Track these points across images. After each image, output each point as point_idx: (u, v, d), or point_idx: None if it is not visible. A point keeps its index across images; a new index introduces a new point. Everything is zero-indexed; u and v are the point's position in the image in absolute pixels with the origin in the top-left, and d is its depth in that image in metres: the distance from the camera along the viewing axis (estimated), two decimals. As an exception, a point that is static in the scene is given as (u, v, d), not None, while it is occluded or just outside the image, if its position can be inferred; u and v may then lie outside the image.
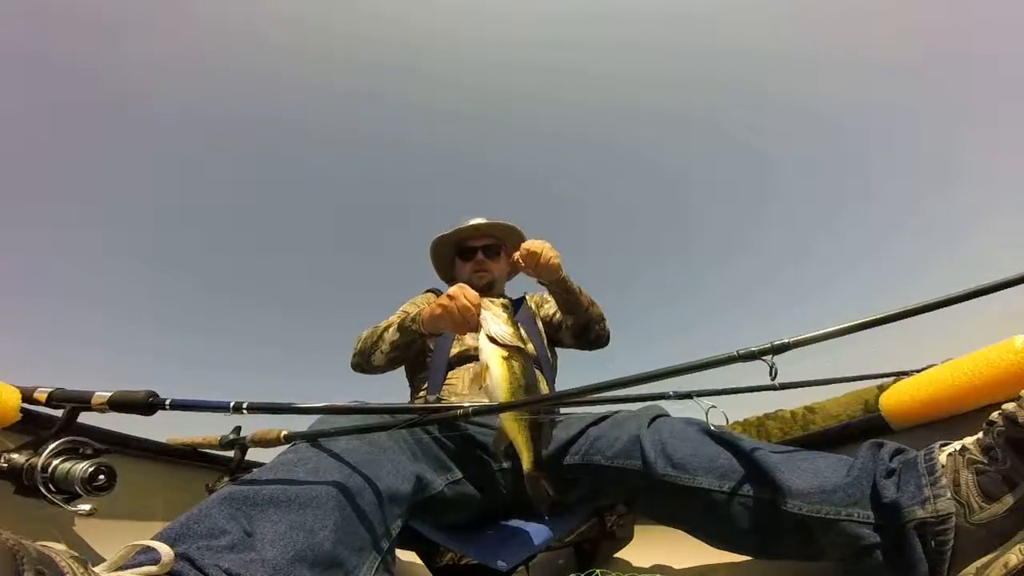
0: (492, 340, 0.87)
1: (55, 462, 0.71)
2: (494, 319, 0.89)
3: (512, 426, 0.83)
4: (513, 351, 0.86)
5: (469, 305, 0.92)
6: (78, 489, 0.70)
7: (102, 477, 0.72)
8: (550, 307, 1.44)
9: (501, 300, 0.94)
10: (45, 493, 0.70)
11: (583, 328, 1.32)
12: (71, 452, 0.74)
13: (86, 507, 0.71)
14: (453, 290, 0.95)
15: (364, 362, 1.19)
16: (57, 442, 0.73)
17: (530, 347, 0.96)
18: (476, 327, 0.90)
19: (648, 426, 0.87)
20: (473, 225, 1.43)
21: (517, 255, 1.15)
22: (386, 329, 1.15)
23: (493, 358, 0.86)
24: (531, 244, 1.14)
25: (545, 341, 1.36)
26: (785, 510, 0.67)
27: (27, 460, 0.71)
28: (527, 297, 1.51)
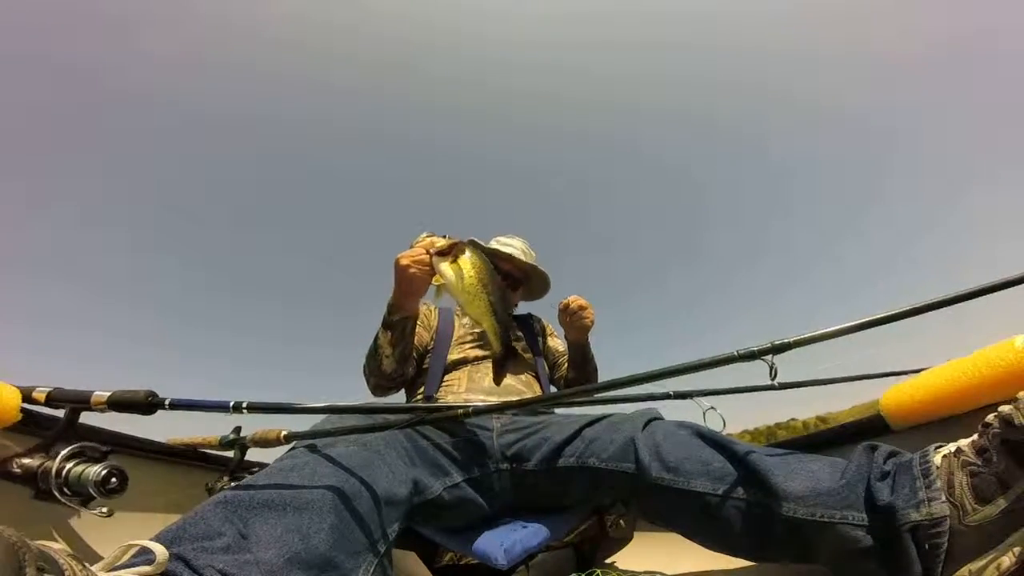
0: (439, 255, 0.97)
1: (68, 466, 0.72)
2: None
3: (479, 312, 0.96)
4: (459, 248, 0.97)
5: (414, 254, 1.00)
6: (92, 492, 0.71)
7: (115, 480, 0.73)
8: (559, 345, 1.50)
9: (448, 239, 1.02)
10: (60, 498, 0.71)
11: (574, 383, 1.37)
12: (81, 455, 0.75)
13: (104, 509, 0.72)
14: (398, 258, 1.02)
15: (378, 377, 1.18)
16: (69, 447, 0.74)
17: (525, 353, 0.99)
18: (430, 266, 0.99)
19: (643, 429, 0.87)
20: (511, 257, 1.41)
21: (566, 302, 1.23)
22: (375, 339, 1.15)
23: (440, 266, 0.96)
24: (582, 300, 1.23)
25: (543, 358, 1.42)
26: (779, 513, 0.66)
27: (40, 464, 0.72)
28: (532, 317, 1.54)
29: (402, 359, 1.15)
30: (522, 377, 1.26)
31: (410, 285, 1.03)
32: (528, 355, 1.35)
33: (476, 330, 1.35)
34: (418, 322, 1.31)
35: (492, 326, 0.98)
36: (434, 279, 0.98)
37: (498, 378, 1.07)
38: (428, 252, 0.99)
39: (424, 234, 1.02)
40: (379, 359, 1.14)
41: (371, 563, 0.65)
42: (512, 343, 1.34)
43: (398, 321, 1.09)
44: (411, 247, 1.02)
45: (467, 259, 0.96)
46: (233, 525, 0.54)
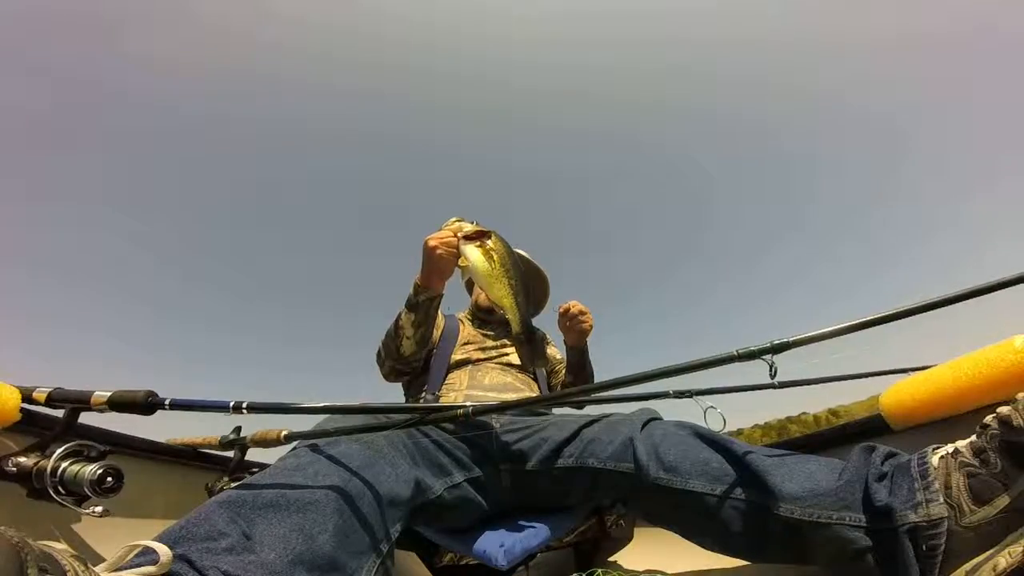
0: (466, 239, 1.02)
1: (63, 465, 0.72)
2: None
3: (501, 295, 1.01)
4: (484, 236, 1.03)
5: (442, 236, 1.05)
6: (87, 491, 0.71)
7: (110, 479, 0.73)
8: (556, 352, 1.53)
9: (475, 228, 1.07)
10: (55, 496, 0.71)
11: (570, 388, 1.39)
12: (77, 454, 0.75)
13: (99, 509, 0.72)
14: (427, 240, 1.07)
15: (395, 360, 1.19)
16: (65, 445, 0.74)
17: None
18: (456, 247, 1.04)
19: (641, 429, 0.87)
20: None
21: (566, 307, 1.26)
22: (397, 320, 1.16)
23: (466, 248, 1.02)
24: (581, 305, 1.26)
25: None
26: (777, 513, 0.66)
27: (35, 463, 0.72)
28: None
29: (421, 342, 1.16)
30: (522, 378, 1.27)
31: (436, 266, 1.07)
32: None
33: (482, 332, 1.37)
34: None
35: (513, 307, 1.03)
36: (460, 261, 1.05)
37: (524, 360, 1.10)
38: (456, 235, 1.05)
39: (453, 219, 1.08)
40: (399, 340, 1.15)
41: (374, 563, 0.65)
42: (532, 331, 1.37)
43: (423, 301, 1.11)
44: (440, 230, 1.07)
45: (492, 245, 1.03)
46: (237, 525, 0.54)
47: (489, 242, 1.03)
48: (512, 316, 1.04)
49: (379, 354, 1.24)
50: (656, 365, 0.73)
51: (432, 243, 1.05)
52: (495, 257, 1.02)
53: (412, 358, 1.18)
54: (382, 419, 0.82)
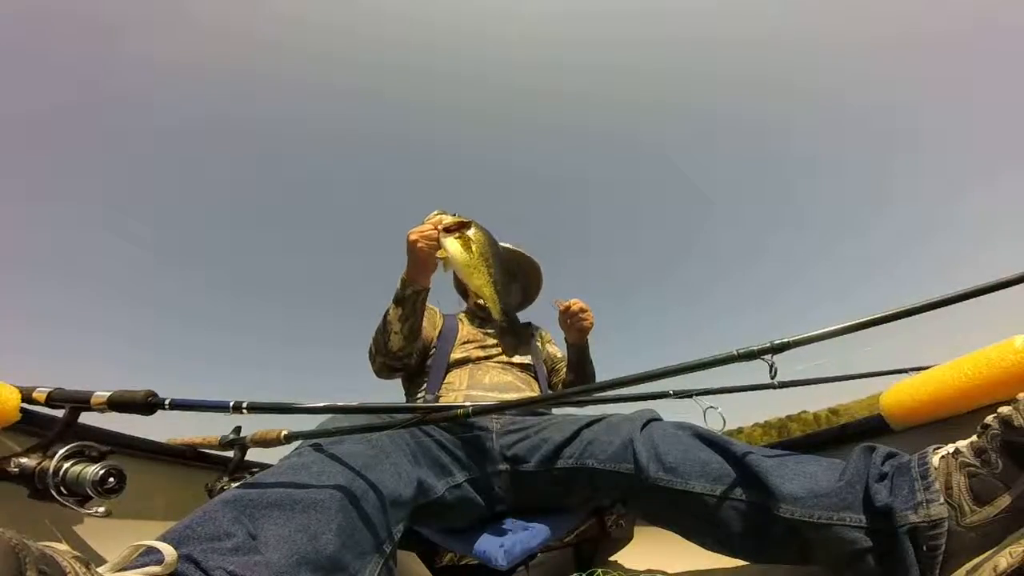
0: (446, 231, 1.03)
1: (65, 465, 0.72)
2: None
3: (480, 283, 1.02)
4: (464, 227, 1.03)
5: (423, 229, 1.06)
6: (89, 492, 0.71)
7: (112, 479, 0.73)
8: (556, 351, 1.52)
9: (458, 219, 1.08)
10: (57, 497, 0.71)
11: (571, 386, 1.39)
12: (79, 455, 0.75)
13: (101, 509, 0.72)
14: (409, 234, 1.08)
15: (385, 356, 1.18)
16: (67, 446, 0.74)
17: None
18: (436, 240, 1.05)
19: (641, 430, 0.87)
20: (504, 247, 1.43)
21: (567, 304, 1.26)
22: (385, 316, 1.16)
23: (445, 240, 1.02)
24: (582, 303, 1.25)
25: (543, 362, 1.44)
26: (777, 514, 0.66)
27: (38, 464, 0.72)
28: (531, 325, 1.56)
29: (410, 336, 1.16)
30: (523, 377, 1.27)
31: (418, 259, 1.08)
32: (528, 359, 1.36)
33: (482, 331, 1.37)
34: (425, 316, 1.31)
35: (492, 296, 1.04)
36: (439, 253, 1.05)
37: (506, 348, 1.10)
38: (436, 228, 1.05)
39: (435, 212, 1.09)
40: (387, 335, 1.15)
41: (377, 563, 0.65)
42: (513, 319, 1.35)
43: (409, 295, 1.11)
44: (423, 223, 1.08)
45: (471, 235, 1.03)
46: (242, 525, 0.53)
47: (468, 232, 1.03)
48: (492, 304, 1.05)
49: (370, 351, 1.23)
50: (656, 365, 0.73)
51: (413, 237, 1.05)
52: (473, 247, 1.02)
53: (401, 353, 1.17)
54: (384, 419, 0.82)
